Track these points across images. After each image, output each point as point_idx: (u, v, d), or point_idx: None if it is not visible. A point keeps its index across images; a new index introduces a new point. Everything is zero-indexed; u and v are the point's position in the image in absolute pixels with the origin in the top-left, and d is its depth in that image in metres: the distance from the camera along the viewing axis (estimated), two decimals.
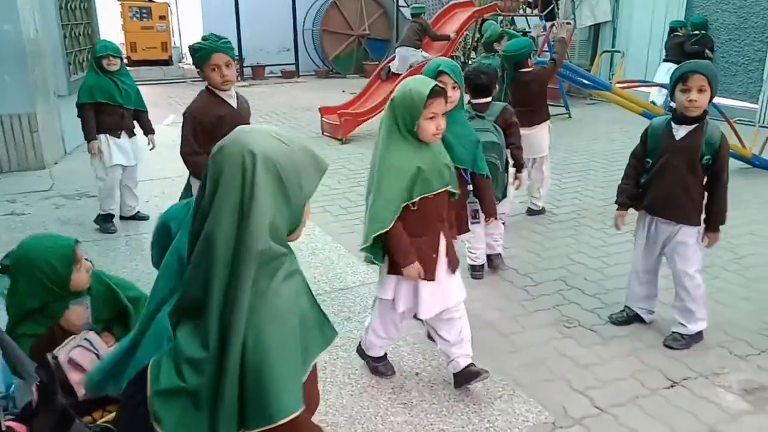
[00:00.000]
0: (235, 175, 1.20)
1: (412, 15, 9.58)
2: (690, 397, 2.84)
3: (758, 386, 2.92)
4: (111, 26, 14.64)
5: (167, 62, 15.41)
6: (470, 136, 3.25)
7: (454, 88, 3.06)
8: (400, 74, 8.90)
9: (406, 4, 15.42)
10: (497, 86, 4.23)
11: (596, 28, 11.88)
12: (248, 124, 2.96)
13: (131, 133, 5.08)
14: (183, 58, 17.36)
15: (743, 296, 3.85)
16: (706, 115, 3.04)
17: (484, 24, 9.85)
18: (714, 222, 3.13)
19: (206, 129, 3.52)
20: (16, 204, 5.56)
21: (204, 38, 3.46)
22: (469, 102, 4.01)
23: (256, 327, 1.21)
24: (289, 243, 1.34)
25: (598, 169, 6.85)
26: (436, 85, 2.46)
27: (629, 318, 3.49)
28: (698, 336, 3.25)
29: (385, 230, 2.49)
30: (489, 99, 3.97)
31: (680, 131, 3.08)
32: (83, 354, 2.23)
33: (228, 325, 1.22)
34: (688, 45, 8.91)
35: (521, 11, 10.50)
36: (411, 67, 8.90)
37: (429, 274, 2.61)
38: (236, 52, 12.14)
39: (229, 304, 1.22)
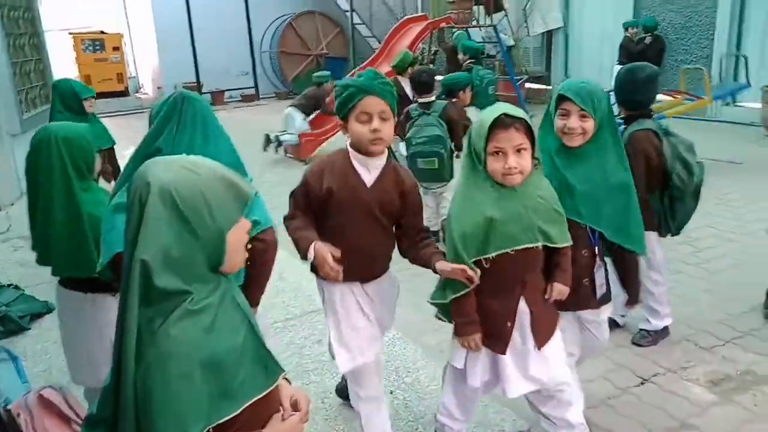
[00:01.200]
0: (133, 207, 1.17)
1: (316, 83, 8.63)
2: (660, 392, 2.89)
3: (724, 377, 2.98)
4: (63, 60, 14.43)
5: (124, 93, 15.24)
6: (607, 180, 2.24)
7: (583, 116, 2.18)
8: (285, 142, 8.38)
9: (361, 21, 15.55)
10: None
11: (548, 34, 12.14)
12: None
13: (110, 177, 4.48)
14: (140, 87, 17.19)
15: (704, 289, 3.94)
16: (639, 116, 3.01)
17: (455, 34, 9.98)
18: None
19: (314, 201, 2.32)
20: None
21: (358, 75, 2.25)
22: (415, 100, 4.73)
23: (144, 371, 1.14)
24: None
25: None
26: (504, 114, 1.93)
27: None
28: (664, 332, 3.31)
29: (464, 291, 2.04)
30: (432, 97, 4.68)
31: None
32: (52, 394, 2.20)
33: (118, 364, 1.17)
34: (632, 46, 9.18)
35: (474, 23, 10.64)
36: (289, 139, 8.38)
37: (499, 347, 2.09)
38: (194, 77, 11.96)
39: (118, 339, 1.18)
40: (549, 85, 12.16)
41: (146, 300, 1.15)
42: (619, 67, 9.35)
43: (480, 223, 1.97)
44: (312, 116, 8.50)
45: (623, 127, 3.05)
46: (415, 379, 3.11)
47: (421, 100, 4.68)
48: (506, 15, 11.14)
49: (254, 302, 2.22)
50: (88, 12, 16.55)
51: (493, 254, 1.98)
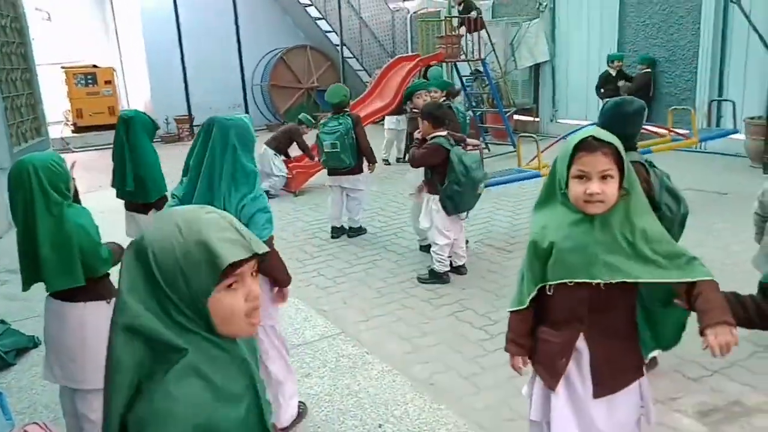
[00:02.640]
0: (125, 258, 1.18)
1: (299, 121, 8.63)
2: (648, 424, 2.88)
3: (712, 408, 2.98)
4: (55, 94, 14.50)
5: (115, 126, 15.27)
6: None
7: None
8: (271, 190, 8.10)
9: (352, 55, 15.77)
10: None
11: (536, 67, 12.35)
12: None
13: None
14: None
15: (691, 317, 3.94)
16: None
17: (429, 69, 10.16)
18: None
19: None
20: None
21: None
22: (435, 135, 4.74)
23: (136, 424, 1.09)
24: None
25: None
26: (593, 136, 1.84)
27: None
28: (652, 362, 3.31)
29: (518, 308, 2.03)
30: (444, 131, 4.74)
31: None
32: (37, 430, 2.20)
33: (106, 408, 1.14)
34: (611, 81, 9.55)
35: (463, 57, 10.83)
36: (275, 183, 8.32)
37: (551, 381, 1.99)
38: (185, 111, 12.07)
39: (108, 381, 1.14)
40: (537, 117, 12.34)
41: (129, 336, 1.12)
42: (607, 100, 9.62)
43: (544, 247, 1.89)
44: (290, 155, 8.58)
45: None
46: (404, 412, 3.09)
47: (442, 134, 4.72)
48: (493, 48, 11.34)
49: (281, 284, 2.79)
50: (80, 46, 16.70)
51: (551, 283, 1.89)
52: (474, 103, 11.86)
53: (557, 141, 6.12)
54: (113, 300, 2.21)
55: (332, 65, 15.97)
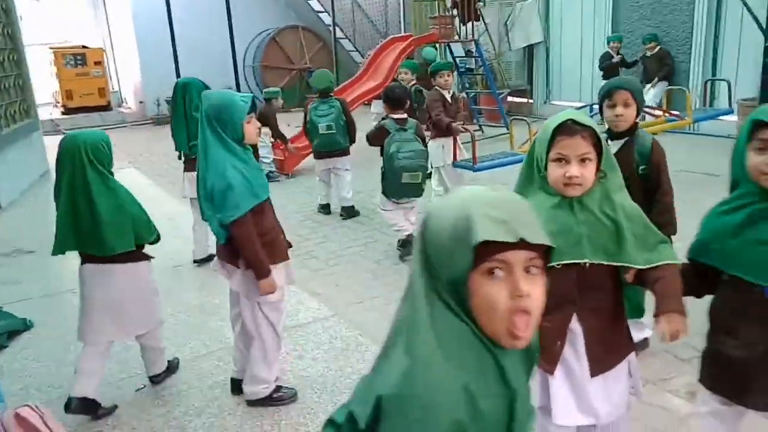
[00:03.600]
0: None
1: (265, 98, 8.36)
2: (639, 404, 2.89)
3: None
4: (44, 74, 14.31)
5: (106, 108, 15.13)
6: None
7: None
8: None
9: (345, 36, 15.63)
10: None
11: (530, 48, 12.29)
12: None
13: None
14: (123, 102, 17.10)
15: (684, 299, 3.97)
16: (635, 128, 3.09)
17: (423, 49, 10.09)
18: (664, 232, 3.14)
19: None
20: None
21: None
22: (388, 116, 4.93)
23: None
24: None
25: None
26: (571, 120, 1.83)
27: None
28: (644, 343, 3.34)
29: None
30: (405, 115, 4.88)
31: (613, 147, 3.17)
32: (30, 412, 2.21)
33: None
34: (610, 62, 9.51)
35: (456, 37, 10.74)
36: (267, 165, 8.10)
37: (548, 367, 1.98)
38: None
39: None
40: (531, 98, 12.30)
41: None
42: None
43: None
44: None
45: (620, 141, 3.10)
46: None
47: (395, 116, 4.86)
48: (487, 29, 11.26)
49: (256, 274, 2.79)
50: (69, 27, 16.46)
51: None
52: (468, 85, 11.80)
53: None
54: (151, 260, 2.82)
55: (324, 46, 15.82)
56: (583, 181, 1.82)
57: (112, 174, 2.93)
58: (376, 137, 4.87)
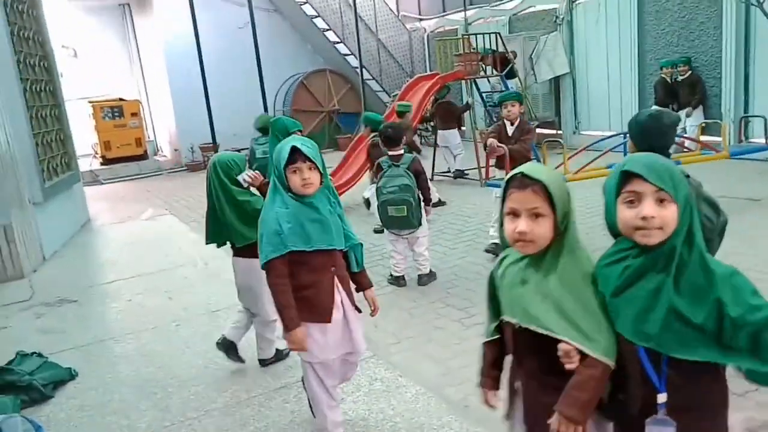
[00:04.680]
0: None
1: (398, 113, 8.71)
2: None
3: (761, 424, 2.88)
4: (83, 127, 14.83)
5: (143, 157, 15.58)
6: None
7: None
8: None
9: (371, 77, 15.90)
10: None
11: (556, 80, 12.32)
12: None
13: None
14: (158, 150, 17.58)
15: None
16: None
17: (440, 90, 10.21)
18: None
19: None
20: None
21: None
22: (385, 153, 5.32)
23: None
24: None
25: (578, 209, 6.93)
26: (522, 173, 1.73)
27: None
28: None
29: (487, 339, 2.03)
30: (401, 151, 5.23)
31: None
32: None
33: None
34: (669, 85, 9.44)
35: (482, 73, 10.84)
36: None
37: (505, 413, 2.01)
38: (210, 139, 12.27)
39: None
40: (559, 129, 12.27)
41: None
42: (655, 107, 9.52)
43: (492, 283, 1.92)
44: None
45: None
46: None
47: (391, 153, 5.25)
48: (513, 63, 11.34)
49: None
50: (106, 80, 17.11)
51: (501, 318, 1.85)
52: (495, 119, 11.83)
53: (584, 149, 6.11)
54: None
55: (352, 87, 16.12)
56: (534, 238, 1.67)
57: (239, 185, 3.70)
58: (375, 174, 5.45)
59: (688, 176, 2.99)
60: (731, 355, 1.53)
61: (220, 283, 5.45)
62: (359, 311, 2.90)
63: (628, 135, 3.17)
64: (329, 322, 2.73)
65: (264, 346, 3.99)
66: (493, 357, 1.99)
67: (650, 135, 3.01)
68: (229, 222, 3.69)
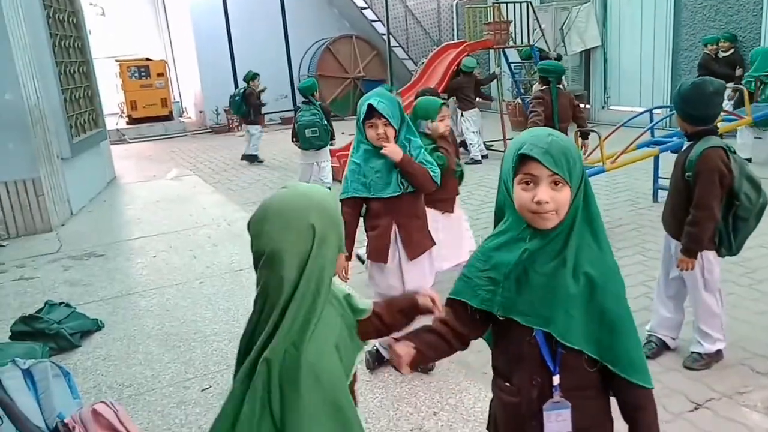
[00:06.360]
0: None
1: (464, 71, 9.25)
2: (715, 419, 2.78)
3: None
4: (110, 85, 14.93)
5: (168, 117, 15.65)
6: None
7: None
8: None
9: (398, 44, 15.72)
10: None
11: (587, 53, 12.06)
12: None
13: None
14: (183, 112, 17.66)
15: (758, 311, 3.80)
16: (705, 133, 2.95)
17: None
18: (684, 243, 2.98)
19: None
20: (24, 269, 5.58)
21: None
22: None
23: None
24: None
25: (602, 184, 6.86)
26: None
27: (658, 347, 3.34)
28: (718, 355, 3.20)
29: None
30: None
31: (684, 147, 3.09)
32: (105, 409, 2.30)
33: None
34: (713, 63, 8.94)
35: (511, 43, 10.65)
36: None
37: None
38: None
39: None
40: (588, 103, 12.06)
41: None
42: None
43: None
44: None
45: (688, 143, 3.01)
46: (459, 400, 3.07)
47: None
48: (543, 35, 11.12)
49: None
50: (134, 40, 17.14)
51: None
52: (522, 90, 11.67)
53: (617, 129, 5.88)
54: None
55: (378, 54, 15.96)
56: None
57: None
58: None
59: (734, 152, 2.93)
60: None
61: (243, 243, 5.50)
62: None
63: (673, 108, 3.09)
64: (386, 262, 3.17)
65: None
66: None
67: (693, 105, 2.93)
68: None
